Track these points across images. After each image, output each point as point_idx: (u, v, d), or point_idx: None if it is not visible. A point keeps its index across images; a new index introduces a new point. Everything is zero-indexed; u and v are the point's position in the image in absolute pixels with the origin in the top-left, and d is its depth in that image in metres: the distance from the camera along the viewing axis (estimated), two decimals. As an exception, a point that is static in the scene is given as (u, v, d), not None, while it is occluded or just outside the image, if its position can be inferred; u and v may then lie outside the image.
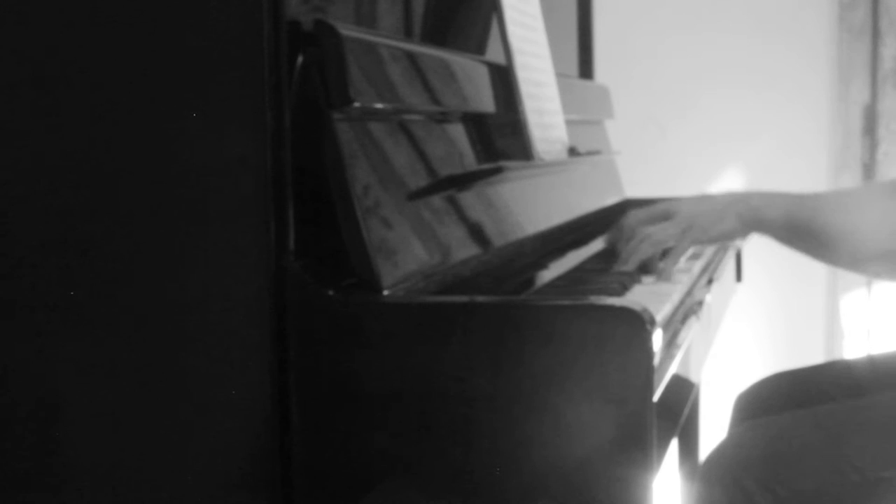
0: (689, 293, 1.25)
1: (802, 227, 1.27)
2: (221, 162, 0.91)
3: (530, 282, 1.21)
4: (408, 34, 1.29)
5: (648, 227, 1.32)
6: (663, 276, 1.26)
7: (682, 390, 1.10)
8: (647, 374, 0.84)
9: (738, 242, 1.70)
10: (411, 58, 1.12)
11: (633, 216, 1.38)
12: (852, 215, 1.26)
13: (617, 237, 1.39)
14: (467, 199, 1.17)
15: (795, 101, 2.76)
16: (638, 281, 1.24)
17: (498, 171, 1.27)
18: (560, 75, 1.54)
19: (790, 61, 2.75)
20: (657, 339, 0.85)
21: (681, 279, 1.27)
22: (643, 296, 1.16)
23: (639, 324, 0.84)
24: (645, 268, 1.30)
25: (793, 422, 1.25)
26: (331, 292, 0.90)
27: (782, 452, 1.18)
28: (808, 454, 1.17)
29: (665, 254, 1.31)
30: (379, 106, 1.01)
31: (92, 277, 0.94)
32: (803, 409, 1.31)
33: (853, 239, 1.24)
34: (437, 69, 1.17)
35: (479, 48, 1.48)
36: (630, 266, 1.29)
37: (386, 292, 0.91)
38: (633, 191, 2.03)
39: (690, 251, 1.42)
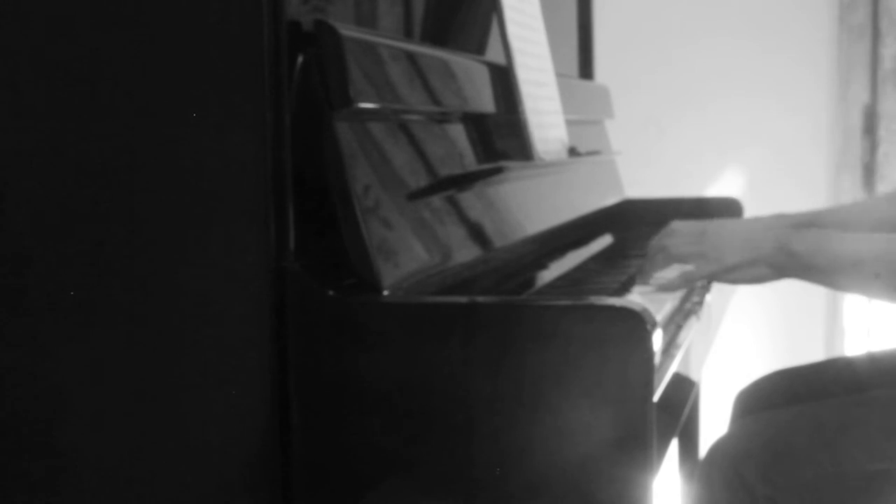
0: (689, 293, 1.25)
1: (838, 265, 1.17)
2: (221, 162, 0.91)
3: (530, 282, 1.22)
4: (408, 34, 1.29)
5: (670, 240, 1.26)
6: (664, 287, 1.23)
7: (683, 390, 1.10)
8: (647, 374, 0.84)
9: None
10: (411, 58, 1.12)
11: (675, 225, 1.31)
12: (880, 247, 1.20)
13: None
14: (467, 199, 1.17)
15: (796, 101, 2.76)
16: (638, 283, 1.24)
17: (498, 171, 1.27)
18: (560, 75, 1.54)
19: (790, 61, 2.75)
20: (657, 339, 0.85)
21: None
22: (643, 296, 1.16)
23: (639, 324, 0.84)
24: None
25: (793, 415, 1.26)
26: (331, 292, 0.90)
27: (782, 444, 1.18)
28: (808, 446, 1.18)
29: None
30: (379, 106, 1.01)
31: (92, 277, 0.94)
32: (804, 404, 1.32)
33: (877, 271, 1.18)
34: (437, 69, 1.17)
35: (479, 48, 1.48)
36: (647, 279, 1.25)
37: (386, 292, 0.91)
38: (633, 191, 2.03)
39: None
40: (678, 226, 1.29)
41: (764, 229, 1.25)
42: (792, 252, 1.18)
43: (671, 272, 1.26)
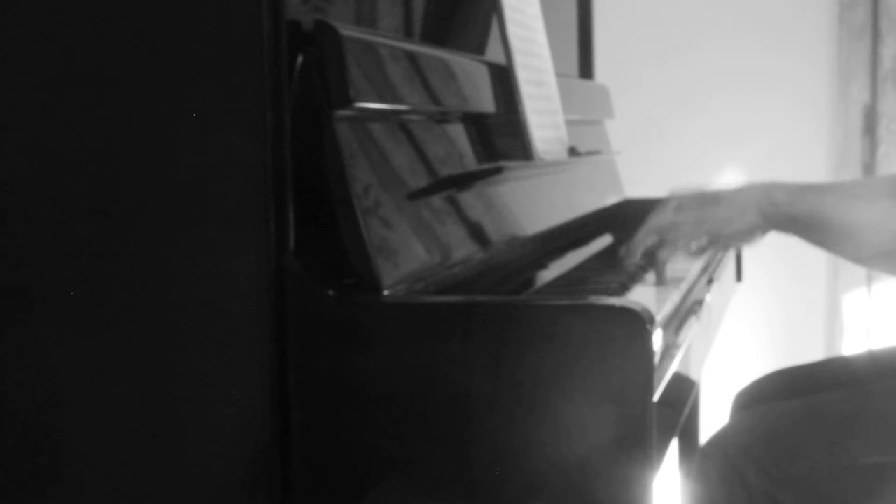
0: (689, 293, 1.25)
1: (824, 223, 1.20)
2: (221, 162, 0.91)
3: (530, 282, 1.22)
4: (408, 34, 1.29)
5: (659, 217, 1.25)
6: (663, 255, 1.21)
7: (683, 390, 1.10)
8: (647, 374, 0.84)
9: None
10: (411, 58, 1.12)
11: (676, 192, 1.31)
12: (862, 212, 1.22)
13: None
14: (467, 199, 1.17)
15: (796, 101, 2.76)
16: (639, 279, 1.24)
17: (498, 171, 1.27)
18: (560, 75, 1.54)
19: (790, 61, 2.75)
20: (657, 338, 0.85)
21: (680, 279, 1.27)
22: (643, 296, 1.16)
23: (639, 324, 0.84)
24: (651, 258, 1.26)
25: (790, 410, 1.26)
26: (331, 292, 0.90)
27: (779, 438, 1.19)
28: (804, 439, 1.18)
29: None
30: (379, 106, 1.01)
31: (92, 277, 0.94)
32: (801, 399, 1.32)
33: (862, 235, 1.20)
34: (437, 69, 1.17)
35: (479, 48, 1.48)
36: (635, 257, 1.23)
37: (386, 292, 0.91)
38: (633, 191, 2.03)
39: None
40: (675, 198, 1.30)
41: (749, 189, 1.26)
42: (775, 201, 1.20)
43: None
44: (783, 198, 1.21)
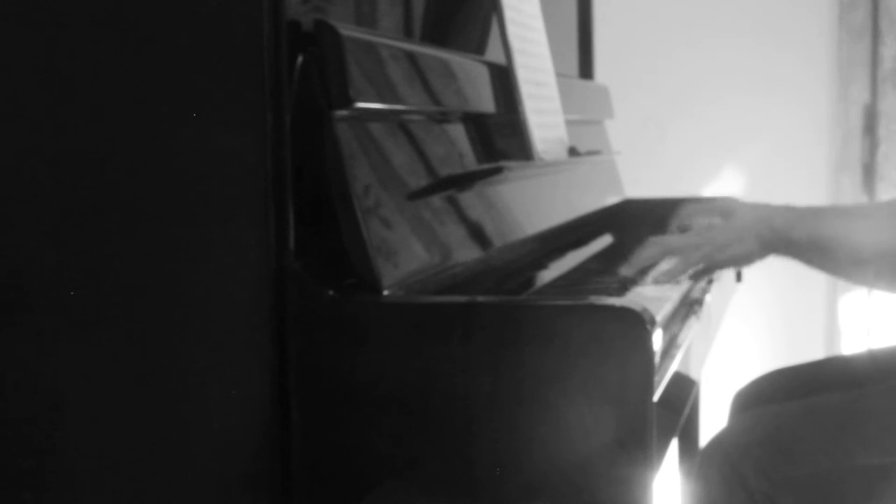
0: (689, 293, 1.25)
1: (822, 243, 1.19)
2: (221, 162, 0.91)
3: (530, 282, 1.21)
4: (408, 34, 1.29)
5: (659, 244, 1.24)
6: (660, 279, 1.22)
7: (683, 390, 1.10)
8: (647, 374, 0.84)
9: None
10: (411, 58, 1.12)
11: (689, 206, 1.34)
12: (860, 224, 1.21)
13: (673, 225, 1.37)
14: (467, 199, 1.17)
15: (795, 101, 2.76)
16: (638, 282, 1.24)
17: (498, 171, 1.27)
18: (560, 75, 1.54)
19: (790, 62, 2.75)
20: (657, 338, 0.85)
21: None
22: (643, 296, 1.16)
23: (639, 324, 0.84)
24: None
25: (790, 411, 1.26)
26: (331, 292, 0.90)
27: (779, 440, 1.19)
28: (804, 442, 1.18)
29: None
30: (379, 106, 1.01)
31: (92, 277, 0.94)
32: (801, 400, 1.32)
33: (860, 244, 1.19)
34: (437, 69, 1.17)
35: (479, 48, 1.48)
36: (632, 269, 1.23)
37: (386, 292, 0.91)
38: (633, 191, 2.03)
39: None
40: (692, 207, 1.34)
41: (750, 212, 1.26)
42: (773, 227, 1.20)
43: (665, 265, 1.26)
44: (782, 223, 1.20)
